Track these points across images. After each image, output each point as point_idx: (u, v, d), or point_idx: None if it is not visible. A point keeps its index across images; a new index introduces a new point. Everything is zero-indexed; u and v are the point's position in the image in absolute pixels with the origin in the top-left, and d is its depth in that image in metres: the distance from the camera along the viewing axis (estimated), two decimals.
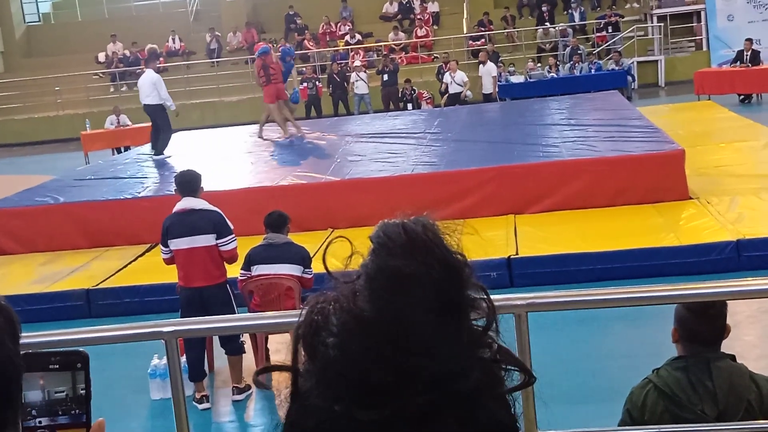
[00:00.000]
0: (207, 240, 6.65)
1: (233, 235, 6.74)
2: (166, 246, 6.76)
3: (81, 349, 1.38)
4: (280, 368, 0.91)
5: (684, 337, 3.02)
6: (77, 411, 1.36)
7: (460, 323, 0.85)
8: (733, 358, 3.00)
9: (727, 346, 3.07)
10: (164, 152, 14.60)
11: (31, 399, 1.33)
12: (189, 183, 6.85)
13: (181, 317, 6.58)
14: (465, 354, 0.85)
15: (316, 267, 7.23)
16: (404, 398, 0.82)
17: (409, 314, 0.83)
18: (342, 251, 0.91)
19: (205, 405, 6.63)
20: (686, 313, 3.01)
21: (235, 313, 6.58)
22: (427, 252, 0.85)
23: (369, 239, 0.89)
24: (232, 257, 6.77)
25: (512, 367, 0.89)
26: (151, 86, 14.51)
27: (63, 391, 1.35)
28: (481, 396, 0.85)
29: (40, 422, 1.34)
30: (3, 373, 1.13)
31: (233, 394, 6.75)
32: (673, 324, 3.08)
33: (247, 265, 6.98)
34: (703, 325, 2.98)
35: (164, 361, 5.11)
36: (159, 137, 14.77)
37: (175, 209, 6.81)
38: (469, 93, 21.82)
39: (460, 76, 21.80)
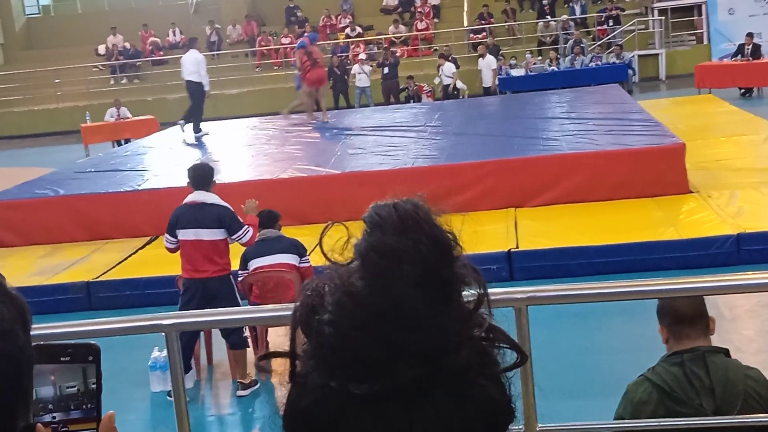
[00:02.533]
0: (212, 234, 6.67)
1: (246, 226, 6.76)
2: (173, 236, 6.79)
3: (93, 342, 1.37)
4: (280, 354, 0.93)
5: (667, 322, 3.04)
6: (89, 405, 1.36)
7: (450, 299, 0.87)
8: (727, 353, 3.00)
9: (725, 340, 3.08)
10: (200, 128, 15.67)
11: (43, 395, 1.33)
12: (201, 176, 6.88)
13: (181, 308, 6.59)
14: (454, 330, 0.86)
15: (315, 259, 7.26)
16: (395, 372, 0.84)
17: (399, 289, 0.85)
18: (337, 240, 0.93)
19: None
20: (663, 300, 3.04)
21: (239, 305, 6.58)
22: (417, 228, 0.88)
23: (362, 220, 0.92)
24: (251, 244, 6.87)
25: (504, 345, 0.91)
26: (195, 65, 15.69)
27: (74, 386, 1.35)
28: (472, 373, 0.87)
29: (54, 417, 1.34)
30: (15, 364, 1.13)
31: (238, 390, 6.71)
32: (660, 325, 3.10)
33: (244, 264, 6.98)
34: (680, 300, 3.00)
35: (164, 353, 5.11)
36: (192, 114, 15.76)
37: (185, 200, 6.84)
38: (460, 84, 21.82)
39: (448, 67, 21.86)
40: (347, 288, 0.87)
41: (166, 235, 6.87)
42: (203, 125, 16.10)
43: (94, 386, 1.36)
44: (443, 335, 0.85)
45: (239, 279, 6.95)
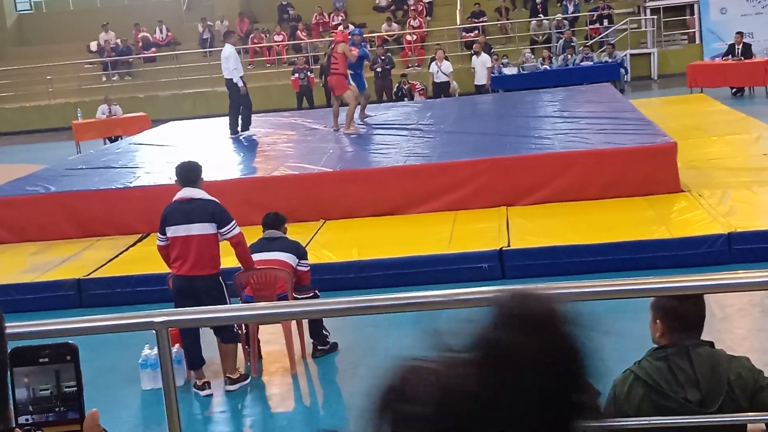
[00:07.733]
0: (203, 228, 6.66)
1: (234, 221, 6.76)
2: (164, 233, 6.78)
3: (70, 341, 1.37)
4: None
5: (674, 326, 3.03)
6: (62, 408, 1.36)
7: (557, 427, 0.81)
8: (711, 345, 3.02)
9: (716, 339, 3.08)
10: (248, 129, 14.73)
11: (18, 398, 1.32)
12: (189, 173, 6.89)
13: (175, 305, 6.60)
14: None
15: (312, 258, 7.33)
16: None
17: (511, 399, 0.79)
18: (335, 241, 0.91)
19: (208, 391, 6.64)
20: (671, 302, 3.02)
21: (227, 303, 6.58)
22: (550, 338, 0.82)
23: (495, 304, 0.83)
24: (239, 242, 6.79)
25: None
26: (225, 61, 14.69)
27: (48, 389, 1.35)
28: None
29: (26, 419, 1.34)
30: None
31: (226, 385, 6.73)
32: (654, 319, 3.09)
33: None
34: (691, 307, 3.01)
35: (155, 351, 5.10)
36: (238, 115, 14.93)
37: (174, 198, 6.84)
38: (455, 84, 21.84)
39: (446, 66, 21.83)
40: (454, 385, 0.78)
41: (158, 234, 6.88)
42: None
43: (67, 389, 1.35)
44: None
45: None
